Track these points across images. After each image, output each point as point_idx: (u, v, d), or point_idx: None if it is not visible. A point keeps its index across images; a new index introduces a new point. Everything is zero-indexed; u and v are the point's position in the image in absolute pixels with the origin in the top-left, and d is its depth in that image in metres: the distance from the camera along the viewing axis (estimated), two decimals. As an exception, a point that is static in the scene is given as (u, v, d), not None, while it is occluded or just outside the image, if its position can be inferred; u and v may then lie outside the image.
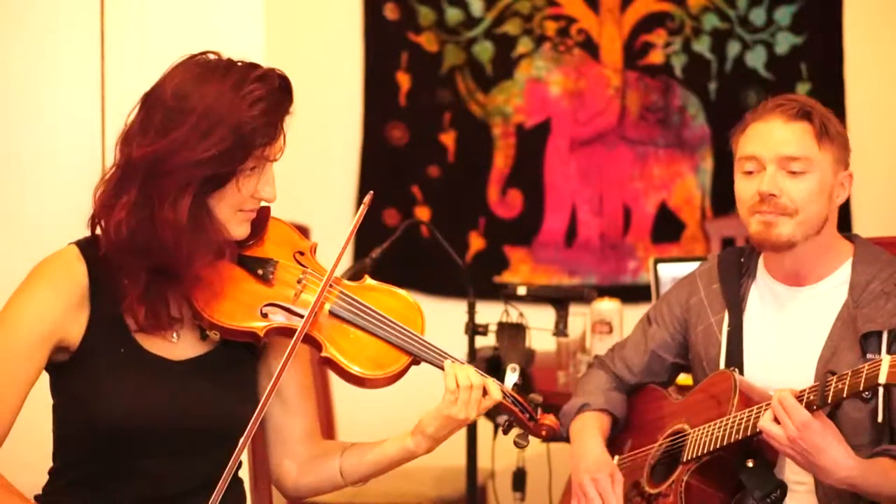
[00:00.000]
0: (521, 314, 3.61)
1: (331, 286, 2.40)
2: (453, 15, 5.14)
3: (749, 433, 2.58)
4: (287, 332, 2.35)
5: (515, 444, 2.46)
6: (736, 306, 2.82)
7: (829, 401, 2.45)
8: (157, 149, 2.26)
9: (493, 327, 3.63)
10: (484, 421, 3.66)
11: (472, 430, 3.72)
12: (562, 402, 3.08)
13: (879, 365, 2.39)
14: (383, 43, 5.15)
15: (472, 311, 3.70)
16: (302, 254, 2.45)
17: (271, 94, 2.31)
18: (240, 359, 2.42)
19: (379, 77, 5.16)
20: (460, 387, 2.37)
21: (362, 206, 2.41)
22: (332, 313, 2.39)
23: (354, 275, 3.56)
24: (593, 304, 3.85)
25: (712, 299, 2.87)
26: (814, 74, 5.12)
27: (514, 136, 5.16)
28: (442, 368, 2.40)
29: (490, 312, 3.67)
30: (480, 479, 4.17)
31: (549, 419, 2.47)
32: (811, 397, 2.47)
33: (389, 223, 5.10)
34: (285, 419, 2.50)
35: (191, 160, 2.25)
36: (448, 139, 5.16)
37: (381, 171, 5.16)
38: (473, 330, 3.69)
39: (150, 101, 2.31)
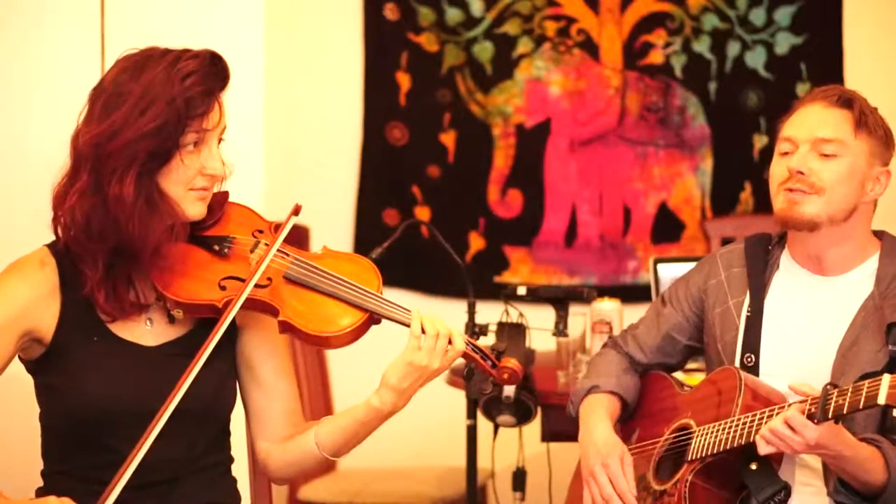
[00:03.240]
0: (521, 314, 3.61)
1: (285, 254, 2.45)
2: (453, 15, 5.14)
3: (752, 439, 2.57)
4: (246, 302, 2.40)
5: (480, 389, 2.47)
6: (759, 290, 2.81)
7: (830, 416, 2.43)
8: (100, 132, 2.33)
9: (493, 327, 3.63)
10: (484, 421, 3.68)
11: (472, 430, 3.72)
12: (562, 402, 3.08)
13: (879, 384, 2.37)
14: (383, 43, 5.15)
15: (472, 311, 3.70)
16: (261, 231, 2.51)
17: (202, 67, 2.37)
18: (217, 344, 2.41)
19: (379, 77, 5.16)
20: (426, 333, 2.39)
21: (289, 216, 2.48)
22: (286, 278, 2.44)
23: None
24: (593, 304, 3.85)
25: (732, 282, 2.86)
26: (814, 74, 5.12)
27: (514, 136, 5.16)
28: (404, 324, 2.41)
29: (490, 312, 3.68)
30: (480, 479, 4.17)
31: (511, 363, 2.48)
32: (812, 409, 2.47)
33: (389, 223, 5.10)
34: (263, 401, 2.53)
35: (132, 137, 2.32)
36: (448, 139, 5.16)
37: (381, 171, 5.16)
38: (473, 330, 3.69)
39: (93, 94, 2.40)
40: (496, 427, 3.71)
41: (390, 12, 5.14)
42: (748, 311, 2.81)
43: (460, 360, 2.47)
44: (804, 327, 2.76)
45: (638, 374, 2.96)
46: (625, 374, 2.94)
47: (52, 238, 2.43)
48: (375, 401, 2.42)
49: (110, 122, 2.33)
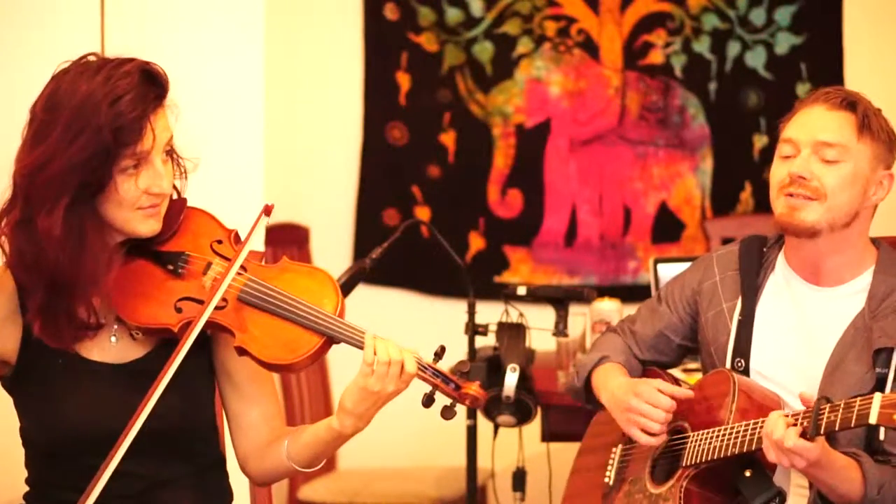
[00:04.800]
0: (521, 314, 3.61)
1: (241, 272, 2.36)
2: (453, 15, 5.14)
3: (746, 449, 2.56)
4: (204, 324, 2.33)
5: (442, 416, 2.39)
6: (751, 295, 2.78)
7: (822, 431, 2.42)
8: (29, 162, 2.26)
9: (493, 327, 3.63)
10: (484, 421, 3.68)
11: (472, 430, 3.72)
12: (562, 402, 3.08)
13: (871, 403, 2.35)
14: (383, 43, 5.15)
15: (472, 311, 3.70)
16: (220, 242, 2.42)
17: (130, 90, 2.26)
18: (186, 356, 2.34)
19: (379, 77, 5.15)
20: (377, 359, 2.31)
21: (260, 215, 2.36)
22: (240, 300, 2.35)
23: (352, 276, 3.56)
24: (593, 304, 3.85)
25: (727, 285, 2.83)
26: (814, 74, 5.12)
27: (514, 136, 5.16)
28: (360, 347, 2.34)
29: (490, 312, 3.68)
30: (480, 479, 4.17)
31: (473, 388, 2.36)
32: (805, 424, 2.44)
33: (389, 223, 5.09)
34: (239, 407, 2.48)
35: (59, 170, 2.23)
36: (448, 139, 5.16)
37: (381, 171, 5.16)
38: (473, 330, 3.69)
39: (30, 112, 2.31)
40: (496, 427, 3.71)
41: (390, 12, 5.14)
42: (740, 316, 2.79)
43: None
44: (794, 336, 2.74)
45: (639, 364, 2.95)
46: (631, 357, 2.92)
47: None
48: (335, 423, 2.38)
49: (39, 152, 2.24)
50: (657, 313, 2.94)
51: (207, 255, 2.39)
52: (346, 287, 3.48)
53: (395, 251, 3.76)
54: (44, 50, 3.64)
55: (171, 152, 2.35)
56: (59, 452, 2.36)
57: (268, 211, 2.36)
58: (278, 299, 2.35)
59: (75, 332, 2.33)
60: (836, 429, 2.40)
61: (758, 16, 5.15)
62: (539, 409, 3.62)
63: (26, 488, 2.45)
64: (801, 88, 5.10)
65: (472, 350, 3.68)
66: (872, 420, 2.34)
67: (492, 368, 3.57)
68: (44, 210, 2.24)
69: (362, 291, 3.70)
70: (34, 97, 2.34)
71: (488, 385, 3.50)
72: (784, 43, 5.15)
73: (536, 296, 3.71)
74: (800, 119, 2.71)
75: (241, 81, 3.74)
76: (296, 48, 5.10)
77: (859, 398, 2.38)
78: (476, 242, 5.14)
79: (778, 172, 2.71)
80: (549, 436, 3.72)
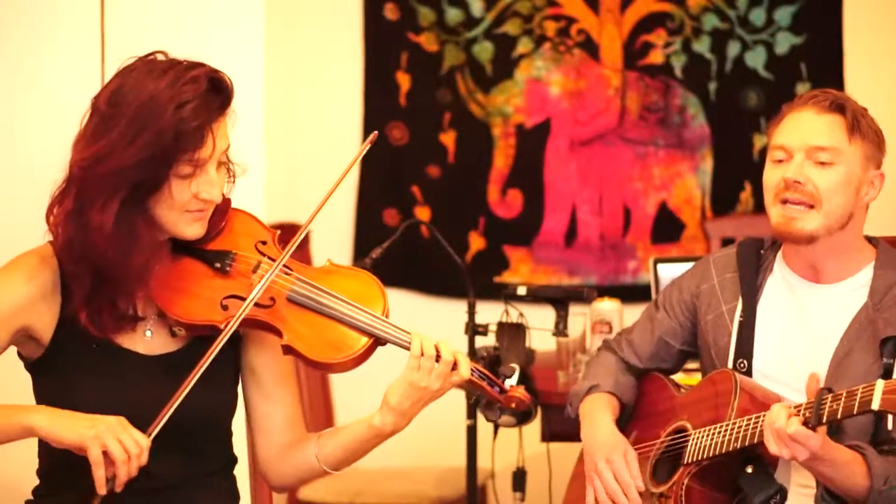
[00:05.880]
0: (521, 314, 3.61)
1: (288, 272, 2.40)
2: (453, 15, 5.14)
3: (748, 443, 2.57)
4: (248, 322, 2.36)
5: (485, 417, 2.43)
6: (751, 296, 2.80)
7: (824, 420, 2.42)
8: (88, 155, 2.27)
9: (493, 327, 3.63)
10: (484, 421, 3.68)
11: (472, 430, 3.72)
12: (562, 402, 3.08)
13: (873, 389, 2.36)
14: (383, 43, 5.15)
15: (472, 311, 3.70)
16: (264, 243, 2.46)
17: (196, 97, 2.29)
18: (217, 355, 2.36)
19: (379, 77, 5.15)
20: (425, 353, 2.34)
21: (367, 144, 2.44)
22: (289, 300, 2.39)
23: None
24: (593, 304, 3.85)
25: (726, 287, 2.84)
26: (814, 74, 5.12)
27: (514, 136, 5.16)
28: (407, 349, 2.37)
29: (490, 312, 3.67)
30: (480, 479, 4.17)
31: (519, 392, 2.43)
32: (807, 414, 2.45)
33: (389, 223, 5.10)
34: (265, 407, 2.50)
35: (117, 167, 2.25)
36: (448, 139, 5.16)
37: (381, 171, 5.16)
38: (473, 330, 3.69)
39: (92, 105, 2.33)
40: (496, 427, 3.70)
41: (390, 12, 5.14)
42: (741, 317, 2.80)
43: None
44: (797, 334, 2.75)
45: (634, 376, 2.96)
46: (622, 375, 2.94)
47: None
48: (377, 420, 2.39)
49: (99, 146, 2.27)
50: (656, 320, 2.95)
51: (253, 254, 2.43)
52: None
53: (395, 251, 3.76)
54: (44, 50, 3.64)
55: (225, 161, 2.38)
56: None
57: (373, 140, 2.44)
58: (327, 299, 2.39)
59: (117, 323, 2.36)
60: (839, 417, 2.41)
61: (758, 16, 5.15)
62: (539, 409, 3.62)
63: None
64: (801, 88, 5.10)
65: (472, 350, 3.68)
66: (875, 406, 2.35)
67: (492, 368, 3.57)
68: (97, 205, 2.27)
69: (362, 291, 3.69)
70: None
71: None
72: (784, 43, 5.15)
73: (536, 296, 3.70)
74: (790, 124, 2.73)
75: (241, 81, 3.72)
76: (296, 48, 5.10)
77: (862, 386, 2.40)
78: (476, 242, 5.14)
79: (772, 177, 2.72)
80: (549, 436, 3.72)
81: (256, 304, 2.35)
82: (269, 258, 2.42)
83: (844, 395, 2.41)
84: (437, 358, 2.35)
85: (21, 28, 3.65)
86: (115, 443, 2.21)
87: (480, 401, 2.42)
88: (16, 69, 3.62)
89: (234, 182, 2.46)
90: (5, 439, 2.27)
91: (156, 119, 2.25)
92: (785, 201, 2.69)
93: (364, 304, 2.40)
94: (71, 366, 2.36)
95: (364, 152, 2.47)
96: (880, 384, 2.36)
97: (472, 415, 3.70)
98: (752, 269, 2.83)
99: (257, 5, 3.74)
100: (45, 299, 2.36)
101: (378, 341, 2.39)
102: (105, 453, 2.21)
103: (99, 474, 2.21)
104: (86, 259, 2.30)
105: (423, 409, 2.40)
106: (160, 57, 2.35)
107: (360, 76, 5.16)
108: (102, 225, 2.27)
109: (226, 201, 2.45)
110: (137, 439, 2.23)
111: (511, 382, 2.45)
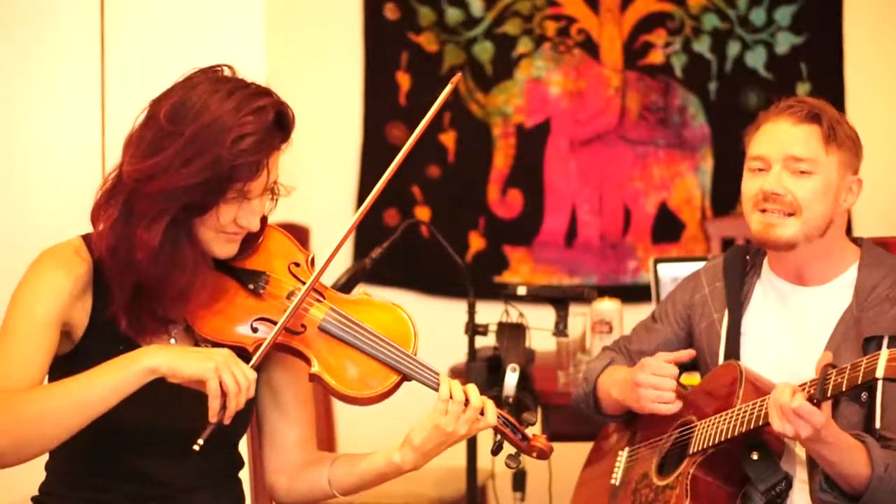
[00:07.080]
0: (521, 314, 3.60)
1: (320, 299, 2.38)
2: (453, 15, 5.14)
3: (754, 426, 2.58)
4: (278, 346, 2.34)
5: (507, 464, 2.42)
6: (736, 305, 2.83)
7: (829, 394, 2.44)
8: (142, 168, 2.24)
9: (493, 327, 3.62)
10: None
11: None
12: (562, 402, 3.08)
13: (878, 359, 2.39)
14: (383, 43, 5.15)
15: (472, 311, 3.70)
16: (297, 265, 2.44)
17: (259, 131, 2.29)
18: None
19: (379, 77, 5.16)
20: (454, 398, 2.33)
21: (449, 87, 2.47)
22: (321, 329, 2.36)
23: (352, 276, 3.56)
24: (593, 304, 3.85)
25: (715, 297, 2.88)
26: (814, 74, 5.12)
27: (514, 136, 5.16)
28: (434, 389, 2.35)
29: (490, 312, 3.67)
30: (480, 480, 4.17)
31: (541, 441, 2.43)
32: (812, 391, 2.47)
33: (389, 223, 5.09)
34: (280, 425, 2.49)
35: (169, 187, 2.23)
36: (448, 139, 5.16)
37: (381, 171, 5.13)
38: (473, 330, 3.68)
39: (151, 112, 2.29)
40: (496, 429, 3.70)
41: (390, 12, 5.14)
42: (728, 324, 2.83)
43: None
44: (785, 337, 2.78)
45: None
46: (632, 364, 2.95)
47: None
48: (397, 457, 2.38)
49: (153, 162, 2.23)
50: (653, 331, 2.99)
51: (287, 278, 2.40)
52: (346, 287, 3.47)
53: (395, 251, 3.75)
54: (44, 50, 3.64)
55: (273, 189, 2.37)
56: (86, 437, 2.28)
57: (454, 81, 2.46)
58: (360, 333, 2.37)
59: (156, 327, 2.34)
60: (844, 389, 2.42)
61: (758, 16, 5.15)
62: (539, 409, 3.61)
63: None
64: (801, 88, 5.10)
65: (472, 350, 3.67)
66: (879, 374, 2.37)
67: (492, 368, 3.57)
68: (144, 221, 2.25)
69: (362, 291, 3.69)
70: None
71: (488, 385, 3.49)
72: (784, 43, 5.15)
73: (536, 296, 3.70)
74: (766, 134, 2.78)
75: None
76: (296, 48, 5.10)
77: (865, 358, 2.42)
78: (476, 242, 5.14)
79: (750, 187, 2.78)
80: (549, 436, 3.71)
81: (288, 330, 2.33)
82: (302, 282, 2.40)
83: (849, 367, 2.43)
84: (466, 402, 2.33)
85: (21, 28, 3.65)
86: (229, 375, 2.22)
87: (501, 447, 2.41)
88: (16, 69, 3.62)
89: (276, 203, 2.44)
90: (127, 389, 2.22)
91: (215, 145, 2.23)
92: (763, 211, 2.74)
93: (395, 339, 2.38)
94: (97, 365, 2.31)
95: (447, 95, 2.42)
96: (885, 353, 2.38)
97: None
98: (737, 276, 2.87)
99: (257, 5, 3.74)
100: (80, 293, 2.32)
101: (405, 378, 2.37)
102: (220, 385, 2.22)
103: (214, 405, 2.22)
104: (129, 269, 2.28)
105: (443, 451, 2.38)
106: (226, 71, 2.33)
107: (360, 76, 5.16)
108: (147, 242, 2.25)
109: (262, 218, 2.42)
110: (247, 373, 2.24)
111: (534, 431, 2.43)
